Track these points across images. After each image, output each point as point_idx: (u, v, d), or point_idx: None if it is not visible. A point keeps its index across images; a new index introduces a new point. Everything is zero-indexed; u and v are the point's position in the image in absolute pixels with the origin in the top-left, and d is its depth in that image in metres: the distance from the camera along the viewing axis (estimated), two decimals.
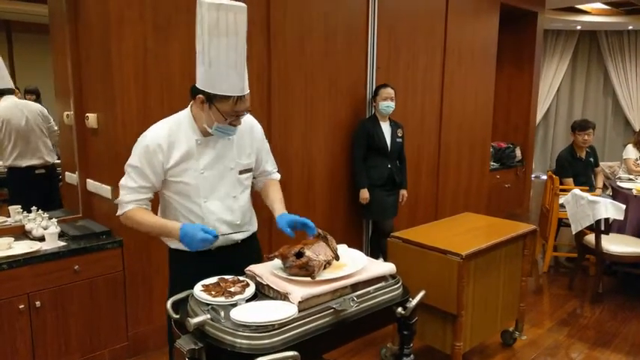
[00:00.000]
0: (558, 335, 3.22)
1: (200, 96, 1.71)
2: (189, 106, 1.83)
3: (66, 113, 3.02)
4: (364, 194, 3.70)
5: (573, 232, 3.89)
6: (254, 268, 1.77)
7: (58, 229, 2.67)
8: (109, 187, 2.77)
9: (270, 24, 3.20)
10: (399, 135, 3.82)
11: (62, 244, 2.62)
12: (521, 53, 6.19)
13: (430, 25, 4.46)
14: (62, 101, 3.08)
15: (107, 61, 2.60)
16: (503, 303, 2.83)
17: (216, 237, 1.69)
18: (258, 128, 1.98)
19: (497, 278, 2.75)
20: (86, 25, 2.75)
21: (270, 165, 2.06)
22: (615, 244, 3.68)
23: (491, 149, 5.92)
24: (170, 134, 1.76)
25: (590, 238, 3.77)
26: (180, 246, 1.79)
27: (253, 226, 2.02)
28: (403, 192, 3.89)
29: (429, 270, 2.52)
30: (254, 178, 2.03)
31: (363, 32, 3.86)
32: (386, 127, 3.76)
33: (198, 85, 1.71)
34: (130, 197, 1.77)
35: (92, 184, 2.92)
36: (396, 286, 1.82)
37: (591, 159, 4.64)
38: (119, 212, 1.81)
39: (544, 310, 3.66)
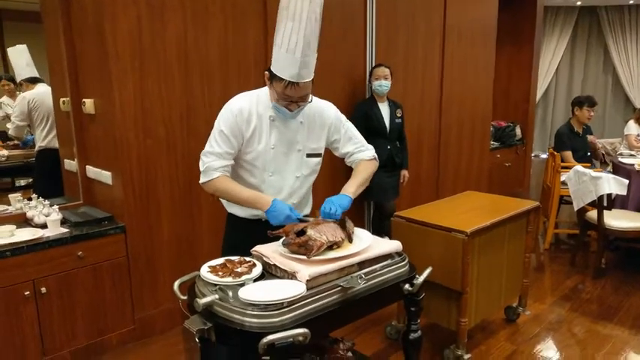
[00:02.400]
0: (561, 310, 3.24)
1: (267, 72, 1.79)
2: None
3: (62, 99, 2.98)
4: None
5: (575, 209, 3.90)
6: (260, 249, 1.77)
7: (60, 216, 2.66)
8: (109, 173, 2.75)
9: (266, 6, 3.14)
10: (398, 115, 3.75)
11: (65, 230, 2.61)
12: (521, 31, 6.12)
13: (429, 4, 4.39)
14: (58, 87, 3.04)
15: (102, 46, 2.55)
16: (507, 279, 2.84)
17: (299, 219, 1.78)
18: (329, 113, 1.98)
19: (501, 255, 2.76)
20: (80, 9, 2.70)
21: (350, 146, 2.04)
22: (617, 220, 3.68)
23: (491, 128, 5.89)
24: (250, 105, 1.84)
25: (593, 214, 3.77)
26: (235, 211, 1.97)
27: (307, 211, 2.07)
28: (404, 172, 3.86)
29: (434, 248, 2.52)
30: (346, 161, 2.08)
31: (362, 13, 3.80)
32: (384, 108, 3.69)
33: (272, 61, 1.77)
34: (218, 163, 1.82)
35: (92, 171, 2.90)
36: (402, 264, 1.82)
37: (588, 135, 4.76)
38: (204, 179, 1.84)
39: (546, 286, 3.68)
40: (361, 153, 2.05)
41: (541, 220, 4.71)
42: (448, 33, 4.61)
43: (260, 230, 1.84)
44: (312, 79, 1.79)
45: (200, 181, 1.87)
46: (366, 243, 1.78)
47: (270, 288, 1.55)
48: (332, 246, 1.71)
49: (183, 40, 2.80)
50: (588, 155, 4.70)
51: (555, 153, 4.39)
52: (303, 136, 1.93)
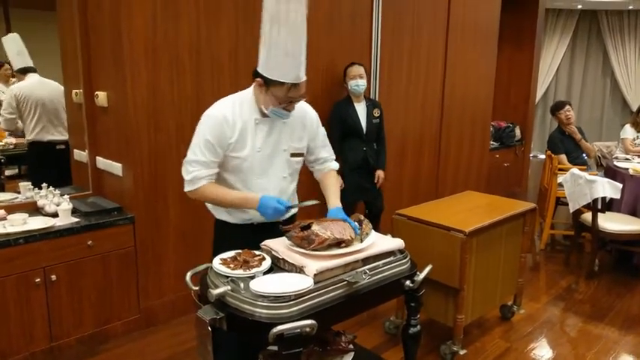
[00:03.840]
0: (555, 309, 3.34)
1: (259, 79, 1.80)
2: (252, 86, 1.89)
3: (74, 91, 3.04)
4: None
5: (571, 211, 3.98)
6: (269, 243, 1.84)
7: (70, 206, 2.72)
8: (119, 165, 2.82)
9: None
10: (376, 115, 3.63)
11: (75, 220, 2.68)
12: (522, 32, 6.19)
13: (433, 3, 4.45)
14: (70, 79, 3.09)
15: (117, 39, 2.61)
16: (503, 278, 2.93)
17: (287, 208, 1.83)
18: (311, 115, 2.03)
19: (498, 254, 2.85)
20: (95, 4, 2.75)
21: (325, 152, 2.11)
22: (611, 222, 3.77)
23: (491, 129, 5.97)
24: (234, 110, 1.86)
25: (587, 216, 3.86)
26: (225, 217, 1.99)
27: (293, 210, 2.07)
28: (379, 172, 3.67)
29: (433, 246, 2.60)
30: (312, 166, 2.13)
31: (368, 14, 3.86)
32: (360, 108, 3.57)
33: (259, 68, 1.79)
34: (204, 172, 1.85)
35: (102, 162, 2.97)
36: (404, 261, 1.90)
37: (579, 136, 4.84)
38: (190, 188, 1.87)
39: (541, 285, 3.78)
40: (331, 162, 2.14)
41: (538, 221, 4.80)
42: (451, 33, 4.68)
43: (250, 234, 1.91)
44: None
45: (185, 190, 1.88)
46: (370, 240, 1.86)
47: (280, 281, 1.62)
48: (340, 243, 1.78)
49: (195, 36, 2.86)
50: (584, 157, 4.79)
51: (553, 155, 4.48)
52: (286, 136, 1.95)
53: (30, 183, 3.02)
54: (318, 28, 3.52)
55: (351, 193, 3.62)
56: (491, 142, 5.98)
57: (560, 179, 4.23)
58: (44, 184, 2.98)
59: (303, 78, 1.81)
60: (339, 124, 3.50)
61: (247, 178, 1.92)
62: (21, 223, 2.53)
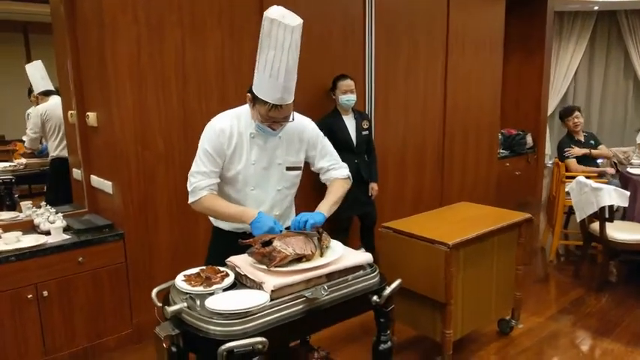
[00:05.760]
0: (558, 324, 3.21)
1: (249, 94, 1.88)
2: None
3: (70, 112, 3.15)
4: None
5: (578, 220, 3.85)
6: (234, 259, 1.84)
7: (63, 223, 2.80)
8: (110, 183, 2.89)
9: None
10: (365, 127, 3.62)
11: (67, 237, 2.76)
12: (530, 37, 6.06)
13: (431, 14, 4.42)
14: (67, 100, 3.21)
15: (102, 61, 2.70)
16: (498, 292, 2.85)
17: (281, 231, 1.85)
18: (309, 130, 2.07)
19: (490, 267, 2.77)
20: (84, 26, 2.86)
21: (325, 161, 2.12)
22: (621, 232, 3.62)
23: (500, 136, 5.85)
24: (231, 123, 1.94)
25: (595, 225, 3.72)
26: (220, 224, 2.08)
27: (289, 222, 2.11)
28: (372, 185, 3.69)
29: (418, 260, 2.56)
30: (320, 177, 2.16)
31: (360, 27, 3.87)
32: (349, 121, 3.56)
33: (253, 84, 1.86)
34: (205, 183, 1.92)
35: (96, 180, 3.05)
36: (372, 275, 1.87)
37: (592, 142, 4.70)
38: (192, 199, 1.94)
39: (547, 298, 3.65)
40: (335, 171, 2.13)
41: (548, 231, 4.66)
42: (452, 41, 4.63)
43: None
44: (293, 100, 1.88)
45: (189, 201, 1.97)
46: (336, 255, 1.84)
47: (237, 298, 1.62)
48: (301, 258, 1.77)
49: (181, 56, 2.93)
50: (597, 161, 4.62)
51: (560, 163, 4.35)
52: (282, 151, 2.01)
53: (30, 202, 3.14)
54: (306, 45, 3.52)
55: (348, 207, 3.59)
56: (501, 151, 5.86)
57: (567, 187, 4.09)
58: (42, 203, 3.09)
59: (287, 101, 1.83)
60: (328, 137, 3.44)
61: (242, 189, 1.99)
62: (14, 241, 2.62)
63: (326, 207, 2.00)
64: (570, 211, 4.46)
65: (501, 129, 6.14)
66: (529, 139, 6.09)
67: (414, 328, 2.83)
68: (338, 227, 3.76)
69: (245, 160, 1.95)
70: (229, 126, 1.93)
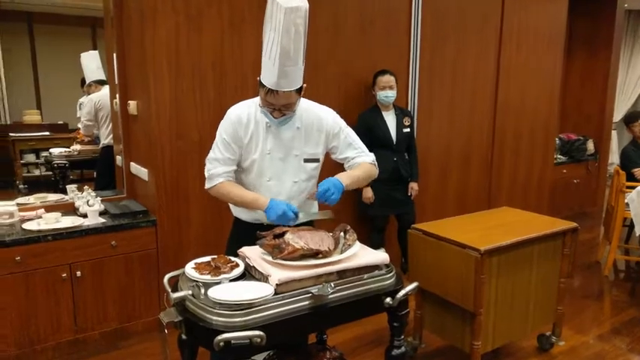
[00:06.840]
0: (606, 345, 2.93)
1: (258, 78, 1.86)
2: None
3: (115, 101, 3.27)
4: (366, 193, 3.40)
5: (637, 234, 3.52)
6: (245, 250, 1.82)
7: (100, 207, 2.90)
8: (145, 170, 2.96)
9: None
10: (406, 124, 3.49)
11: (102, 220, 2.85)
12: (597, 37, 5.62)
13: (483, 8, 4.20)
14: (113, 89, 3.33)
15: (142, 50, 2.76)
16: (536, 305, 2.64)
17: (296, 215, 1.80)
18: (327, 119, 1.99)
19: (529, 277, 2.57)
20: (128, 18, 2.95)
21: (350, 151, 2.03)
22: None
23: (558, 141, 5.48)
24: (249, 111, 1.92)
25: None
26: (239, 214, 2.05)
27: (304, 219, 1.96)
28: (412, 184, 3.55)
29: (448, 265, 2.42)
30: (345, 166, 2.06)
31: (406, 19, 3.74)
32: (389, 117, 3.44)
33: None
34: (221, 169, 1.92)
35: (134, 167, 3.14)
36: (387, 276, 1.78)
37: None
38: (208, 185, 1.96)
39: (596, 316, 3.35)
40: (361, 157, 2.03)
41: (605, 244, 4.30)
42: (505, 40, 4.37)
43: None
44: (301, 90, 1.83)
45: (205, 187, 1.97)
46: (350, 252, 1.76)
47: (241, 289, 1.59)
48: (317, 254, 1.71)
49: (219, 48, 2.94)
50: None
51: (620, 171, 3.99)
52: (300, 142, 1.95)
53: (75, 186, 3.29)
54: (347, 40, 3.45)
55: (379, 206, 3.50)
56: (558, 156, 5.48)
57: (627, 198, 3.75)
58: (86, 187, 3.22)
59: (283, 88, 1.77)
60: (366, 134, 3.32)
61: (259, 179, 1.96)
62: (53, 222, 2.74)
63: (345, 177, 1.89)
64: (632, 224, 4.08)
65: (560, 133, 5.76)
66: (590, 145, 5.66)
67: (442, 337, 2.68)
68: (373, 226, 3.67)
69: (261, 149, 1.92)
70: (247, 114, 1.91)
